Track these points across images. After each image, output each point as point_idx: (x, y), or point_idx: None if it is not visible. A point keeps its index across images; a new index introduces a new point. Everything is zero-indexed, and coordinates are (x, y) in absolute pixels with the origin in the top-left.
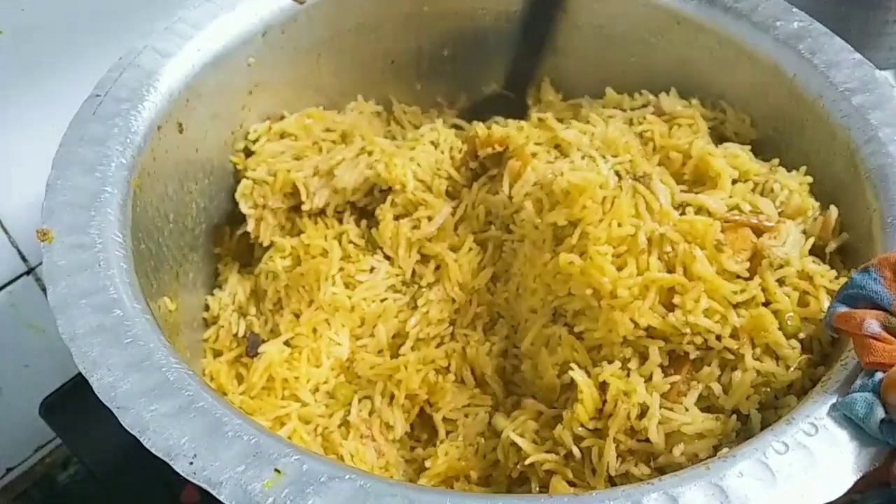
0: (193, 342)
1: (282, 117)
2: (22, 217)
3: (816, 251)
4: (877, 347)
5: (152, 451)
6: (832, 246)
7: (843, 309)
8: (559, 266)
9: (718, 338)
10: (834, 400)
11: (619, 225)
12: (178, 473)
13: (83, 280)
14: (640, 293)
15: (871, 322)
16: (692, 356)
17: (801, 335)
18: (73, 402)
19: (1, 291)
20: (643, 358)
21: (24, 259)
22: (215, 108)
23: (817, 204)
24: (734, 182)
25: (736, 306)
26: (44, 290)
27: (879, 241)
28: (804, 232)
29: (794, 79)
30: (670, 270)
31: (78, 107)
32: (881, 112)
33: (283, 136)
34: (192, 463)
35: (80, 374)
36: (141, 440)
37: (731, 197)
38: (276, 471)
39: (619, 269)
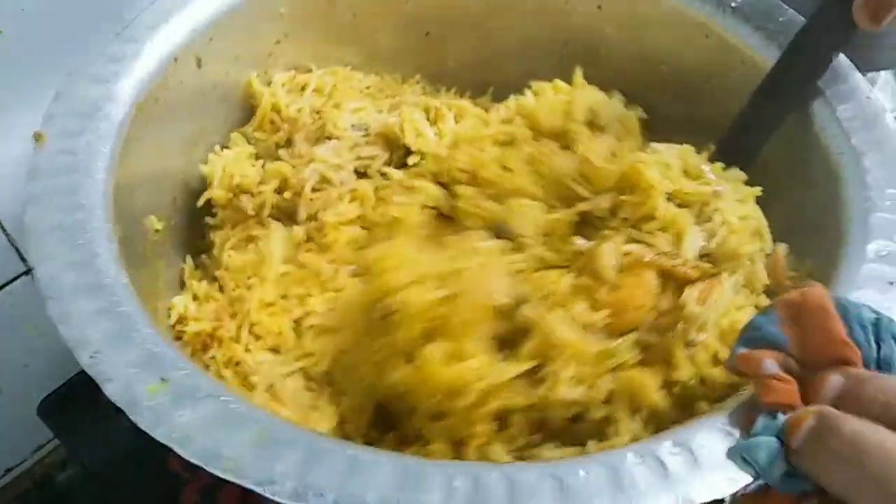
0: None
1: (309, 70)
2: (21, 216)
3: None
4: (776, 387)
5: (64, 337)
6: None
7: (743, 350)
8: (394, 381)
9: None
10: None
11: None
12: (177, 474)
13: (62, 180)
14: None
15: (769, 363)
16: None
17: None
18: (72, 403)
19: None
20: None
21: (23, 259)
22: (239, 51)
23: (764, 245)
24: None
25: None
26: None
27: (835, 282)
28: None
29: None
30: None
31: None
32: (864, 132)
33: (303, 88)
34: (92, 357)
35: (78, 374)
36: (59, 329)
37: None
38: (162, 380)
39: (460, 360)
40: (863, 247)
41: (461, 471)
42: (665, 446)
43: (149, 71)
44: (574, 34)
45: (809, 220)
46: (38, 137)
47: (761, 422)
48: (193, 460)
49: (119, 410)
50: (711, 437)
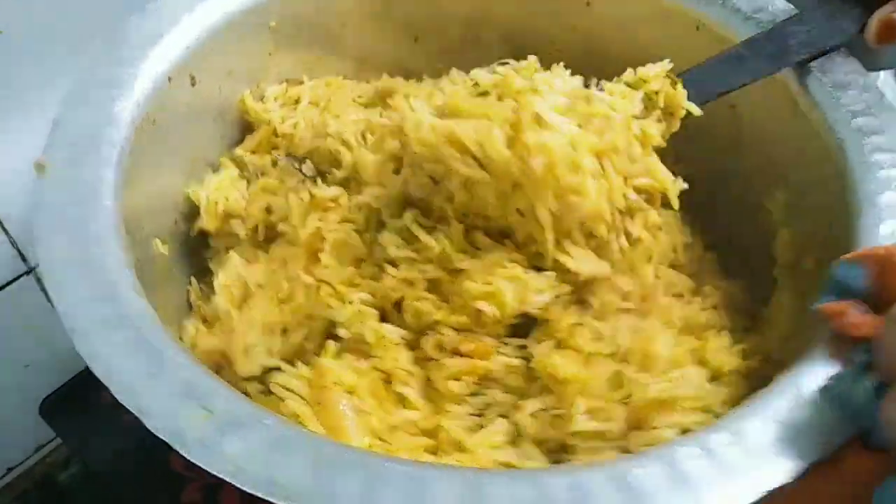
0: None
1: (301, 82)
2: (21, 217)
3: None
4: (856, 320)
5: (98, 376)
6: None
7: (830, 299)
8: None
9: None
10: None
11: None
12: (179, 473)
13: (71, 211)
14: None
15: (854, 312)
16: None
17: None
18: (74, 402)
19: (1, 291)
20: None
21: (24, 259)
22: (232, 66)
23: None
24: None
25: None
26: (44, 290)
27: None
28: None
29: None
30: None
31: None
32: (867, 114)
33: (297, 101)
34: (128, 392)
35: (80, 373)
36: (89, 365)
37: None
38: (205, 409)
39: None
40: (875, 228)
41: (524, 477)
42: (719, 437)
43: (144, 92)
44: (563, 33)
45: (814, 203)
46: (39, 168)
47: (856, 363)
48: (251, 491)
49: (120, 409)
50: (765, 426)
